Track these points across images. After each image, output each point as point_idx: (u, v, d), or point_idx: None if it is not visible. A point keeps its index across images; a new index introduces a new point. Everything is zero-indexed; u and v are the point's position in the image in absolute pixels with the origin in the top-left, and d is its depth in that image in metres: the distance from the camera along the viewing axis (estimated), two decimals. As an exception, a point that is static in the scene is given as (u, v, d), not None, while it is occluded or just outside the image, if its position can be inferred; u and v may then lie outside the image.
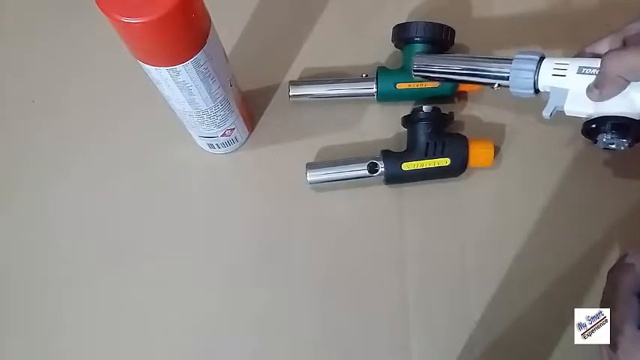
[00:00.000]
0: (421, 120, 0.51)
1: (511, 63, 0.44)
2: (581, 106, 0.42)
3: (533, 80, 0.43)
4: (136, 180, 0.55)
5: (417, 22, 0.52)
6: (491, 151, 0.51)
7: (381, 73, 0.54)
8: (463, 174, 0.52)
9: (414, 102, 0.55)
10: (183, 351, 0.51)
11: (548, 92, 0.43)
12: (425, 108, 0.51)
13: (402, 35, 0.53)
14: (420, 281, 0.51)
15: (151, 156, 0.56)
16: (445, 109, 0.52)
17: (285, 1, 0.61)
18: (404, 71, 0.53)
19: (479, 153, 0.51)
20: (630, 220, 0.51)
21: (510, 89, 0.45)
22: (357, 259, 0.52)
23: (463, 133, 0.53)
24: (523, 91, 0.44)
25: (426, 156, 0.51)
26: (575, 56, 0.44)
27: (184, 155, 0.56)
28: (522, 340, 0.49)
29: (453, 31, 0.53)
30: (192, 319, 0.51)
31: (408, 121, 0.52)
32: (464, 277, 0.50)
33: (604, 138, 0.41)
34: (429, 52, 0.52)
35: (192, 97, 0.44)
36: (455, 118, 0.54)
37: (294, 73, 0.58)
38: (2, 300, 0.53)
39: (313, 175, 0.52)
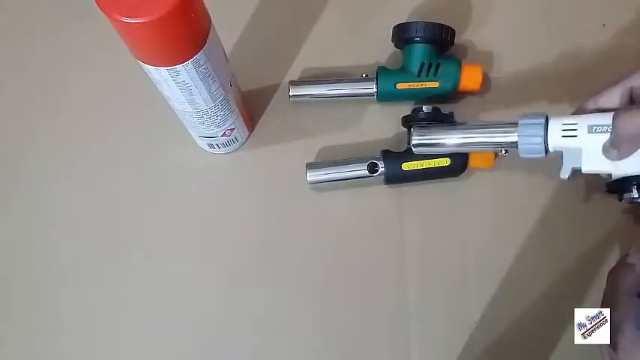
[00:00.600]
0: (421, 120, 0.51)
1: (516, 127, 0.43)
2: (600, 165, 0.41)
3: (542, 145, 0.42)
4: (136, 180, 0.55)
5: (416, 22, 0.52)
6: (492, 153, 0.51)
7: (381, 73, 0.54)
8: (463, 174, 0.52)
9: (414, 102, 0.55)
10: (183, 351, 0.51)
11: (560, 151, 0.42)
12: (425, 108, 0.51)
13: (402, 35, 0.53)
14: (420, 281, 0.51)
15: (151, 156, 0.56)
16: (445, 109, 0.52)
17: (285, 1, 0.61)
18: (404, 71, 0.53)
19: (479, 153, 0.51)
20: (630, 221, 0.51)
21: (520, 155, 0.44)
22: (357, 259, 0.52)
23: (463, 133, 0.53)
24: (534, 156, 0.43)
25: (426, 156, 0.51)
26: (578, 109, 0.43)
27: (184, 155, 0.56)
28: (522, 340, 0.49)
29: (453, 31, 0.53)
30: (192, 319, 0.51)
31: (408, 121, 0.52)
32: (464, 277, 0.50)
33: (630, 196, 0.41)
34: (428, 123, 0.50)
35: (193, 97, 0.44)
36: (455, 119, 0.54)
37: (294, 73, 0.58)
38: (2, 300, 0.53)
39: (313, 175, 0.52)
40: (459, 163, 0.51)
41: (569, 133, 0.41)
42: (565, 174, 0.42)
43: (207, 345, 0.51)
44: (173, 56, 0.40)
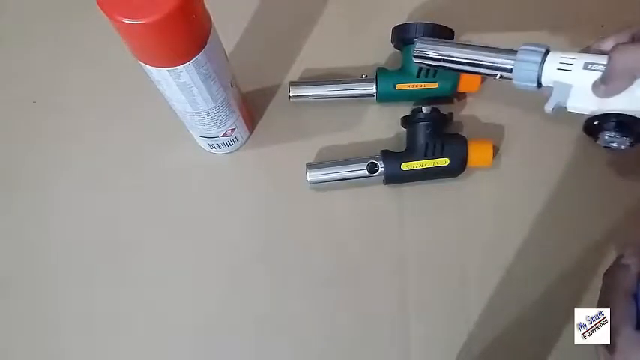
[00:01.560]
0: (420, 120, 0.51)
1: (516, 54, 0.43)
2: (585, 102, 0.41)
3: (537, 73, 0.42)
4: (136, 180, 0.56)
5: (416, 23, 0.52)
6: (490, 151, 0.51)
7: (381, 73, 0.54)
8: (463, 174, 0.52)
9: (413, 102, 0.55)
10: (183, 350, 0.51)
11: (551, 87, 0.42)
12: (424, 108, 0.51)
13: (401, 36, 0.53)
14: (419, 281, 0.51)
15: (152, 156, 0.56)
16: (444, 109, 0.53)
17: (286, 2, 0.61)
18: (403, 72, 0.54)
19: (478, 153, 0.51)
20: (629, 221, 0.51)
21: (513, 81, 0.43)
22: (357, 260, 0.52)
23: (462, 133, 0.53)
24: (525, 84, 0.43)
25: (426, 156, 0.51)
26: (582, 51, 0.43)
27: (185, 155, 0.56)
28: (522, 340, 0.49)
29: (452, 32, 0.53)
30: (192, 319, 0.51)
31: (408, 121, 0.52)
32: (464, 277, 0.51)
33: (606, 136, 0.41)
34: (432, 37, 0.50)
35: (193, 97, 0.44)
36: (454, 119, 0.54)
37: (294, 74, 0.58)
38: (2, 300, 0.53)
39: (313, 175, 0.52)
40: (459, 163, 0.51)
41: (565, 67, 0.41)
42: (550, 106, 0.41)
43: (207, 345, 0.51)
44: (174, 57, 0.40)
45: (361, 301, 0.51)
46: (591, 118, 0.41)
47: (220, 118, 0.49)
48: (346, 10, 0.60)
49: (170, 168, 0.56)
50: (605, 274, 0.41)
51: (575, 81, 0.41)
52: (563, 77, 0.41)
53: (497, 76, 0.45)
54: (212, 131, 0.50)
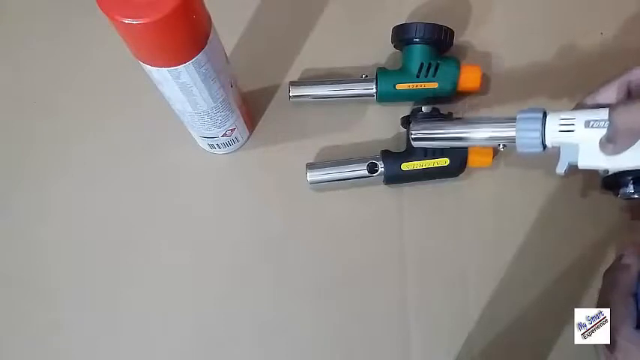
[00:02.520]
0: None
1: (514, 122, 0.43)
2: (596, 160, 0.41)
3: (540, 139, 0.42)
4: (136, 180, 0.55)
5: (416, 23, 0.52)
6: (490, 151, 0.51)
7: (381, 74, 0.54)
8: (463, 174, 0.52)
9: (413, 102, 0.55)
10: (183, 350, 0.51)
11: (557, 147, 0.42)
12: (424, 108, 0.51)
13: (401, 36, 0.53)
14: (419, 281, 0.51)
15: (152, 156, 0.56)
16: (444, 109, 0.52)
17: (286, 2, 0.61)
18: (403, 72, 0.54)
19: (478, 153, 0.51)
20: (629, 221, 0.51)
21: (517, 149, 0.43)
22: (357, 259, 0.52)
23: (463, 133, 0.53)
24: (531, 150, 0.43)
25: (426, 156, 0.51)
26: (577, 106, 0.43)
27: (184, 155, 0.56)
28: (522, 340, 0.49)
29: (452, 32, 0.53)
30: (192, 319, 0.51)
31: (408, 121, 0.52)
32: (464, 277, 0.51)
33: (626, 191, 0.41)
34: (426, 117, 0.50)
35: (193, 97, 0.44)
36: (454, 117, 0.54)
37: (294, 74, 0.58)
38: (2, 300, 0.53)
39: (313, 175, 0.52)
40: (458, 162, 0.51)
41: (567, 128, 0.41)
42: (561, 169, 0.42)
43: (207, 345, 0.51)
44: (174, 57, 0.40)
45: (361, 301, 0.51)
46: (608, 177, 0.42)
47: (220, 118, 0.49)
48: (346, 11, 0.60)
49: (169, 168, 0.56)
50: (605, 273, 0.41)
51: (580, 140, 0.41)
52: (568, 138, 0.41)
53: (501, 146, 0.45)
54: (212, 131, 0.50)
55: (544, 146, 0.43)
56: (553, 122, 0.42)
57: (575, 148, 0.41)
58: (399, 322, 0.50)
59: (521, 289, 0.50)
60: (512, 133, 0.43)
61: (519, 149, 0.43)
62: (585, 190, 0.52)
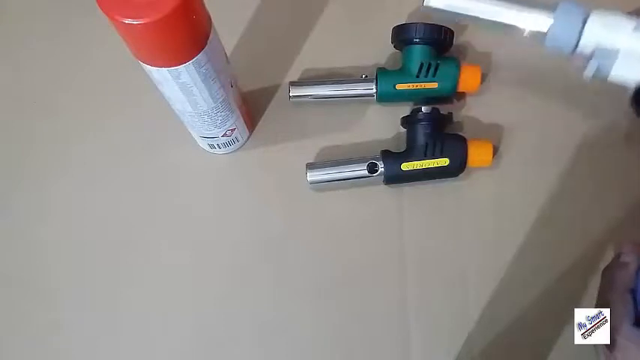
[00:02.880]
0: (420, 120, 0.51)
1: (553, 11, 0.38)
2: (633, 71, 0.36)
3: (578, 34, 0.37)
4: (136, 180, 0.55)
5: (416, 24, 0.52)
6: (490, 151, 0.51)
7: (381, 74, 0.54)
8: (463, 174, 0.52)
9: (413, 102, 0.55)
10: (183, 351, 0.51)
11: (585, 54, 0.38)
12: (424, 108, 0.51)
13: (401, 36, 0.53)
14: (419, 281, 0.51)
15: (152, 156, 0.56)
16: (444, 109, 0.53)
17: (286, 2, 0.61)
18: (403, 72, 0.54)
19: (478, 153, 0.51)
20: (629, 220, 0.51)
21: (545, 42, 0.38)
22: (357, 259, 0.52)
23: (462, 133, 0.53)
24: (560, 45, 0.38)
25: (426, 156, 0.51)
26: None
27: (184, 155, 0.56)
28: (522, 340, 0.49)
29: (452, 32, 0.53)
30: (192, 319, 0.51)
31: (408, 121, 0.52)
32: (464, 277, 0.51)
33: None
34: None
35: (193, 97, 0.44)
36: (454, 119, 0.54)
37: (294, 74, 0.58)
38: (2, 300, 0.53)
39: (313, 175, 0.52)
40: (458, 162, 0.51)
41: (612, 29, 0.37)
42: (590, 71, 0.37)
43: (207, 345, 0.51)
44: (174, 57, 0.40)
45: (361, 301, 0.51)
46: None
47: (220, 118, 0.49)
48: (346, 11, 0.60)
49: (169, 168, 0.56)
50: (603, 271, 0.41)
51: (623, 45, 0.36)
52: (609, 40, 0.37)
53: (526, 33, 0.39)
54: (212, 131, 0.50)
55: (575, 47, 0.38)
56: (597, 20, 0.37)
57: (612, 53, 0.37)
58: (399, 322, 0.50)
59: (521, 289, 0.50)
60: (547, 20, 0.38)
61: (548, 42, 0.38)
62: (585, 191, 0.52)
